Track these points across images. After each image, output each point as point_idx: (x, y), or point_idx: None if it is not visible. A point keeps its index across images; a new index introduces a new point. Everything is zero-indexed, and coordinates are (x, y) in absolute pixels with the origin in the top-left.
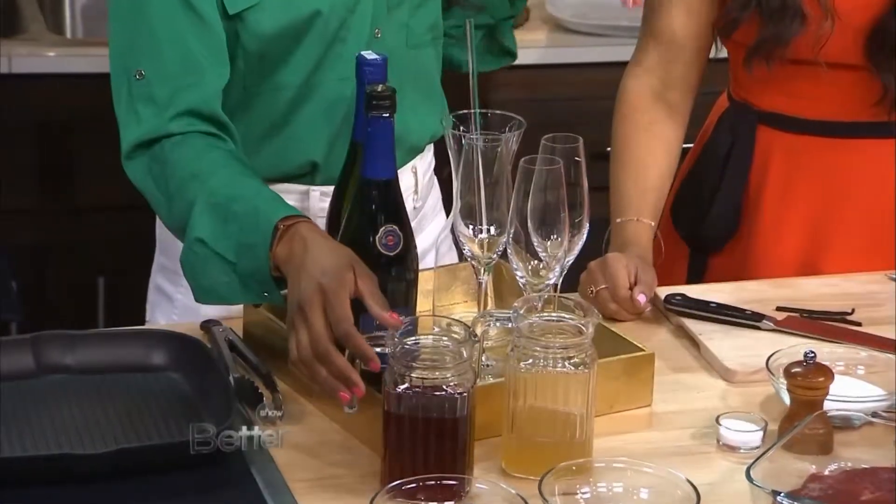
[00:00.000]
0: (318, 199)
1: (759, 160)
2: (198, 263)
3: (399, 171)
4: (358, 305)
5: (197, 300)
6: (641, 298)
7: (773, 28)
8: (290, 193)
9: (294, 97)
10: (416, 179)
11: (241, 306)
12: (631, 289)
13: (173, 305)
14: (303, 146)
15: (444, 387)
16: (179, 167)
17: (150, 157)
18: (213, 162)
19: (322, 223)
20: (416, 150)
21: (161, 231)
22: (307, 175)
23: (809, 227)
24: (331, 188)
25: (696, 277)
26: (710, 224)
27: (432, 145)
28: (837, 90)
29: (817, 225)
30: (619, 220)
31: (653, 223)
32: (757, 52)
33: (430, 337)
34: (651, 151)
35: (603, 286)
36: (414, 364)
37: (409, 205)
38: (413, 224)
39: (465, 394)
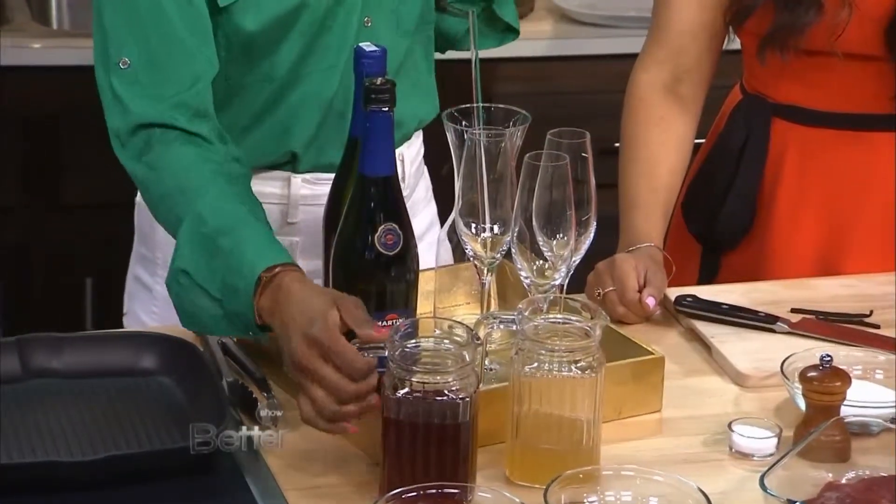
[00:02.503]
0: (300, 186)
1: (773, 154)
2: (183, 293)
3: None
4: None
5: (183, 325)
6: (650, 301)
7: (788, 16)
8: (272, 180)
9: (277, 89)
10: (403, 167)
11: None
12: (640, 291)
13: (153, 297)
14: (283, 138)
15: (446, 391)
16: (168, 175)
17: (140, 151)
18: (201, 177)
19: (306, 210)
20: (405, 138)
21: (140, 219)
22: (288, 163)
23: (826, 223)
24: (315, 175)
25: (708, 276)
26: (723, 221)
27: (421, 132)
28: (854, 81)
29: (834, 221)
30: (628, 217)
31: (663, 221)
32: (771, 42)
33: (431, 340)
34: (662, 147)
35: (611, 288)
36: (414, 368)
37: None
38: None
39: (467, 398)
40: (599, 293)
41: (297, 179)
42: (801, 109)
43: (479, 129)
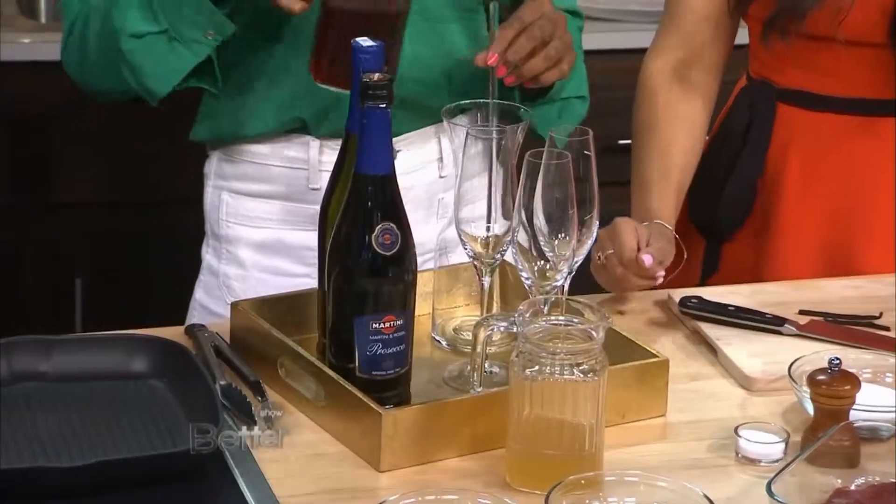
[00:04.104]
0: (319, 151)
1: (778, 140)
2: (143, 55)
3: (414, 134)
4: (354, 305)
5: (159, 93)
6: (647, 258)
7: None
8: (294, 143)
9: (286, 50)
10: (440, 147)
11: (227, 311)
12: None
13: (203, 267)
14: (290, 102)
15: None
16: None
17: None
18: None
19: (325, 176)
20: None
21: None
22: (300, 129)
23: (833, 214)
24: (333, 141)
25: (710, 267)
26: (723, 205)
27: None
28: (860, 67)
29: (842, 212)
30: (638, 198)
31: (675, 203)
32: (773, 26)
33: None
34: (673, 129)
35: (611, 251)
36: None
37: (433, 174)
38: (444, 196)
39: None
40: (600, 257)
41: (316, 143)
42: (808, 94)
43: (494, 125)
